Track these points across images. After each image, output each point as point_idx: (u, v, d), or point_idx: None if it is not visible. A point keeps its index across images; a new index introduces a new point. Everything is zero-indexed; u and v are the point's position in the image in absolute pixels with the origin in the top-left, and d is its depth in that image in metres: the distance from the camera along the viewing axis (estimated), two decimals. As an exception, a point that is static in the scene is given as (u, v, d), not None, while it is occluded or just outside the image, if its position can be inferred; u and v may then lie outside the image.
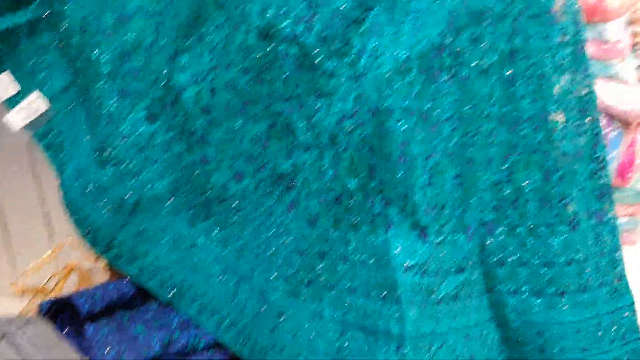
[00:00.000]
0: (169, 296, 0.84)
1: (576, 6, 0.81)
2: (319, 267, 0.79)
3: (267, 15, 0.80)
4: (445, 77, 0.76)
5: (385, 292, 0.74)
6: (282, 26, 0.80)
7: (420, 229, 0.76)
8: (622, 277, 0.79)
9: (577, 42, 0.82)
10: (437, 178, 0.77)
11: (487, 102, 0.77)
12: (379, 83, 0.76)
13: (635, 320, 0.80)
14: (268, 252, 0.83)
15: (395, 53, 0.76)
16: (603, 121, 0.86)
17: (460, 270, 0.77)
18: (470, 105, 0.77)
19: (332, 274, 0.78)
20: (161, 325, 0.83)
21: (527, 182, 0.76)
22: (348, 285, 0.77)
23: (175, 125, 0.84)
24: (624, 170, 0.93)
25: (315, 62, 0.79)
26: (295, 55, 0.80)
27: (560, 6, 0.80)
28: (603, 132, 0.85)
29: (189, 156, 0.85)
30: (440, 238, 0.77)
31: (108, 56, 0.82)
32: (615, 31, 0.88)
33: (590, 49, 0.90)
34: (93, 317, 0.82)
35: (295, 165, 0.82)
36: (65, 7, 0.83)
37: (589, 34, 0.93)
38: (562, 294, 0.76)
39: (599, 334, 0.76)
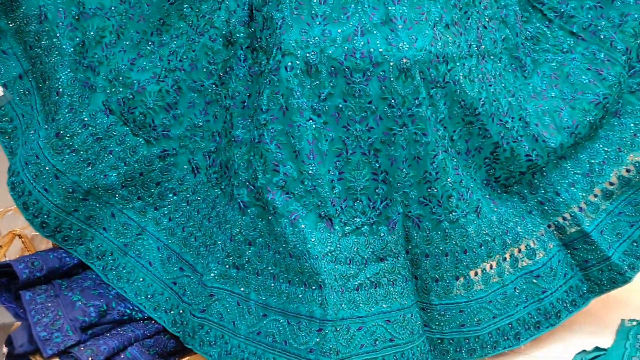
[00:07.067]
0: (111, 277, 0.91)
1: None
2: (248, 253, 0.87)
3: (232, 23, 0.87)
4: (359, 77, 0.82)
5: (306, 278, 0.81)
6: (242, 34, 0.87)
7: (327, 220, 0.84)
8: (521, 245, 0.91)
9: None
10: (350, 174, 0.85)
11: (411, 102, 0.82)
12: (290, 82, 0.82)
13: (535, 283, 0.91)
14: (209, 242, 0.91)
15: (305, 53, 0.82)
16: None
17: (380, 259, 0.86)
18: (387, 105, 0.82)
19: (259, 260, 0.86)
20: (100, 294, 0.89)
21: (449, 179, 0.85)
22: (272, 271, 0.85)
23: (132, 119, 0.89)
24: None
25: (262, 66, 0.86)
26: (249, 60, 0.88)
27: None
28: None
29: (146, 149, 0.91)
30: (349, 228, 0.85)
31: (70, 48, 0.86)
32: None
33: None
34: (31, 283, 0.87)
35: (232, 158, 0.89)
36: None
37: None
38: (476, 273, 0.87)
39: (505, 301, 0.88)
